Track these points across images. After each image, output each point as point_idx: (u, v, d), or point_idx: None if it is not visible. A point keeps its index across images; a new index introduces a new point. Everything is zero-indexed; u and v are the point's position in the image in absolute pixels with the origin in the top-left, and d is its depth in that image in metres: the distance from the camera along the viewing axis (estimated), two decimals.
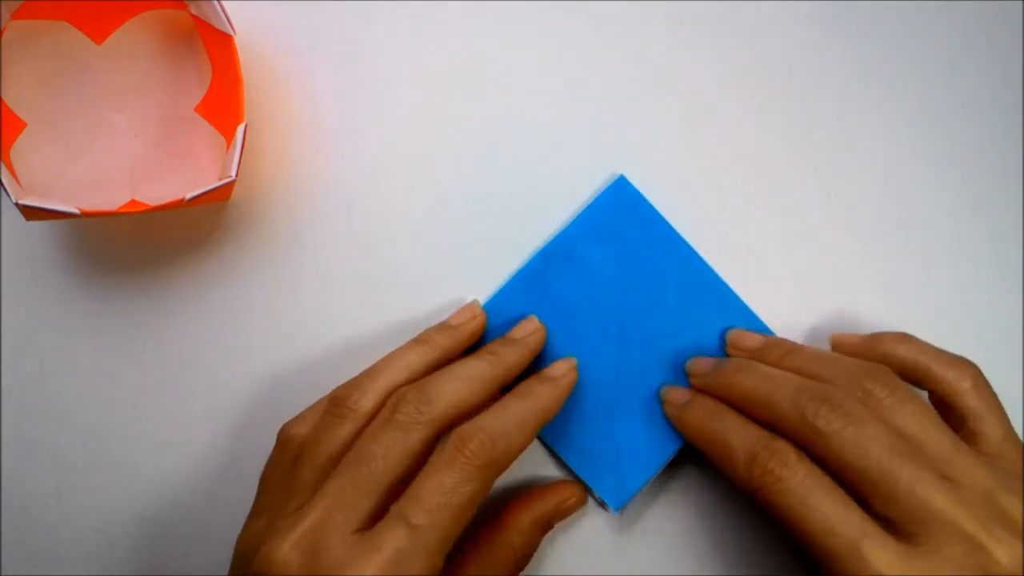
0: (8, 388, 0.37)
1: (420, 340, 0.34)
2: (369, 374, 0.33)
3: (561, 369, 0.34)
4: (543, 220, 0.37)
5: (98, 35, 0.36)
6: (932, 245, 0.37)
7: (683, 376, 0.36)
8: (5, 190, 0.32)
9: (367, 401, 0.32)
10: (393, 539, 0.28)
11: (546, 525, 0.35)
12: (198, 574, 0.37)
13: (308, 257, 0.37)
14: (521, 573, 0.34)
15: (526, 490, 0.36)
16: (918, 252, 0.37)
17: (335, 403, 0.32)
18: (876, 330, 0.35)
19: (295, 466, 0.31)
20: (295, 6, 0.37)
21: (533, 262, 0.36)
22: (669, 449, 0.36)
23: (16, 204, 0.31)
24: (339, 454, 0.31)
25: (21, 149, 0.36)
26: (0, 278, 0.37)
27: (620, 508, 0.36)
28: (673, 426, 0.35)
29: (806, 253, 0.37)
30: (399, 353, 0.33)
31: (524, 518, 0.34)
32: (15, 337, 0.37)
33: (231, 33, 0.34)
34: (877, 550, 0.28)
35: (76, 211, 0.32)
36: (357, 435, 0.31)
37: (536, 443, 0.37)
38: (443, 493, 0.29)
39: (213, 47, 0.36)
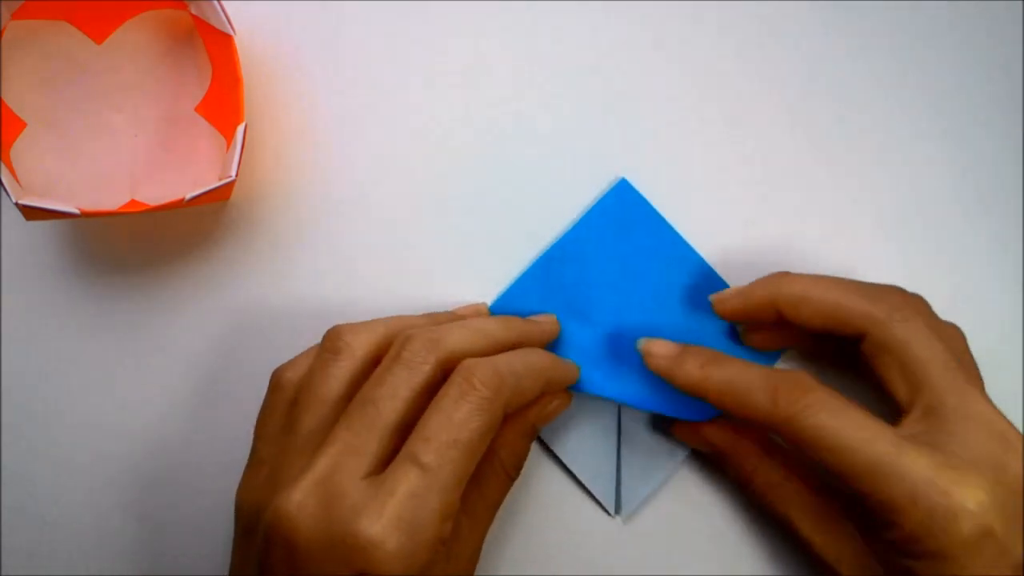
0: (8, 388, 0.37)
1: (425, 315, 0.34)
2: (367, 320, 0.32)
3: (571, 363, 0.35)
4: (544, 222, 0.37)
5: (98, 35, 0.36)
6: (932, 245, 0.37)
7: None
8: (5, 190, 0.32)
9: (363, 339, 0.31)
10: (405, 481, 0.27)
11: (530, 431, 0.33)
12: (198, 574, 0.37)
13: (308, 257, 0.37)
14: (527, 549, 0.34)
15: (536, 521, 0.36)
16: (918, 253, 0.37)
17: (329, 339, 0.31)
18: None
19: (293, 411, 0.31)
20: (295, 6, 0.37)
21: (536, 265, 0.36)
22: (671, 464, 0.36)
23: (16, 204, 0.31)
24: (338, 396, 0.30)
25: (21, 149, 0.36)
26: (0, 278, 0.37)
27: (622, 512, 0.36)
28: (665, 379, 0.33)
29: (808, 255, 0.37)
30: (400, 316, 0.33)
31: (507, 431, 0.32)
32: (15, 337, 0.37)
33: (231, 33, 0.34)
34: (918, 455, 0.28)
35: (76, 211, 0.32)
36: (355, 376, 0.30)
37: (536, 447, 0.37)
38: (452, 429, 0.28)
39: (213, 47, 0.36)
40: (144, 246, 0.37)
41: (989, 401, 0.30)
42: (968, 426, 0.29)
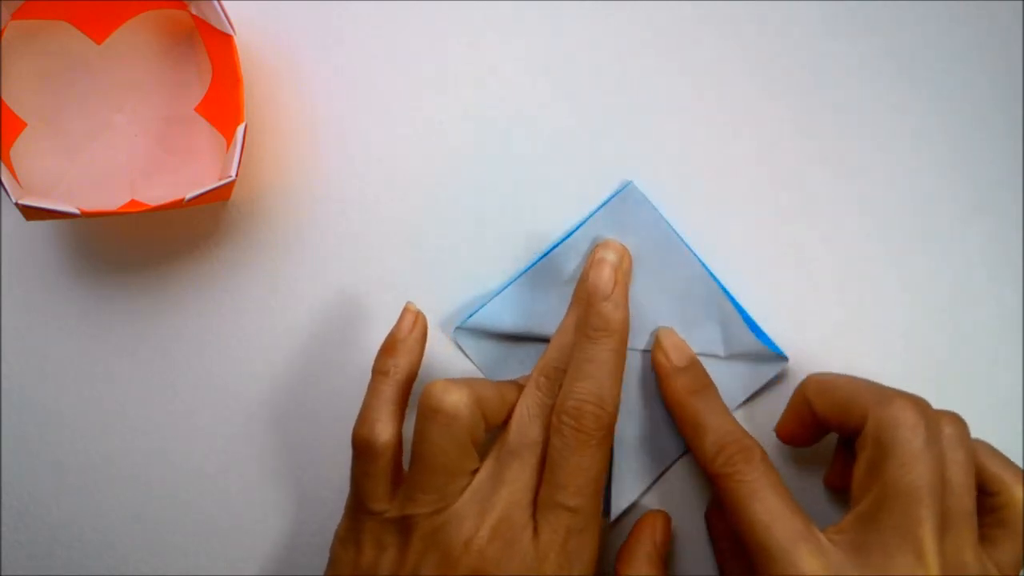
0: (8, 388, 0.37)
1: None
2: (452, 381, 0.33)
3: (609, 275, 0.34)
4: (549, 223, 0.37)
5: (98, 35, 0.36)
6: (933, 245, 0.37)
7: None
8: (5, 190, 0.32)
9: (466, 400, 0.32)
10: (561, 523, 0.31)
11: (659, 560, 0.35)
12: (198, 574, 0.37)
13: (308, 257, 0.37)
14: None
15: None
16: (919, 252, 0.37)
17: (431, 402, 0.32)
18: (878, 333, 0.35)
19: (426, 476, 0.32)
20: (295, 6, 0.37)
21: (539, 263, 0.36)
22: (665, 461, 0.36)
23: (16, 204, 0.31)
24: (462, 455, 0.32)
25: (21, 149, 0.36)
26: (0, 278, 0.37)
27: (611, 516, 0.36)
28: (657, 381, 0.35)
29: (810, 256, 0.37)
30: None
31: (637, 564, 0.34)
32: (15, 337, 0.37)
33: (231, 33, 0.34)
34: (811, 556, 0.29)
35: (76, 211, 0.32)
36: (474, 438, 0.32)
37: None
38: (585, 470, 0.31)
39: (213, 47, 0.36)
40: (144, 246, 0.37)
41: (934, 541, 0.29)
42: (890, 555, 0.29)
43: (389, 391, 0.33)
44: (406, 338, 0.34)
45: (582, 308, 0.33)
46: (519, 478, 0.32)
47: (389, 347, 0.34)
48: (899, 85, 0.37)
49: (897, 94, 0.37)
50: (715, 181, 0.37)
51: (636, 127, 0.37)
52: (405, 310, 0.34)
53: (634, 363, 0.36)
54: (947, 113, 0.37)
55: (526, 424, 0.32)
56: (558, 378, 0.33)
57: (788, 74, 0.37)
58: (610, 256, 0.34)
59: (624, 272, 0.34)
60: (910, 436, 0.29)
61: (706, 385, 0.34)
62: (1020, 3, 0.37)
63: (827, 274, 0.37)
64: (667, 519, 0.35)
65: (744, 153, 0.37)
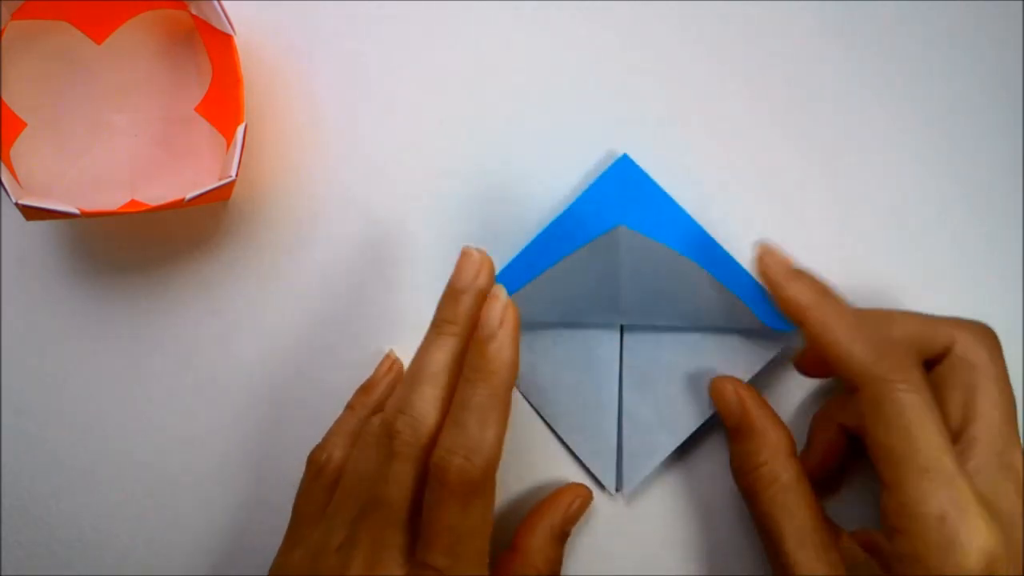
0: (8, 388, 0.37)
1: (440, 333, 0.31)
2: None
3: (496, 314, 0.29)
4: (548, 218, 0.37)
5: (98, 35, 0.36)
6: (933, 245, 0.37)
7: (688, 356, 0.36)
8: (5, 190, 0.32)
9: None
10: None
11: (561, 536, 0.35)
12: (198, 574, 0.37)
13: (308, 257, 0.37)
14: None
15: (534, 498, 0.36)
16: (918, 251, 0.37)
17: (390, 433, 0.30)
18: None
19: (340, 498, 0.32)
20: (295, 6, 0.37)
21: (537, 241, 0.36)
22: (673, 441, 0.36)
23: (16, 204, 0.31)
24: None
25: (21, 149, 0.36)
26: (0, 278, 0.37)
27: (625, 490, 0.36)
28: (767, 287, 0.33)
29: (808, 239, 0.37)
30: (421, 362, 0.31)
31: (538, 538, 0.34)
32: (15, 337, 0.37)
33: (231, 33, 0.34)
34: (960, 478, 0.28)
35: (76, 211, 0.32)
36: (419, 478, 0.30)
37: (536, 423, 0.37)
38: (453, 528, 0.28)
39: (213, 47, 0.36)
40: (144, 246, 0.37)
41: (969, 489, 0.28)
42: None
43: (354, 425, 0.35)
44: (380, 380, 0.36)
45: (448, 340, 0.30)
46: (372, 539, 0.29)
47: (365, 387, 0.36)
48: (901, 83, 0.37)
49: (899, 89, 0.37)
50: (707, 155, 0.37)
51: (626, 100, 0.37)
52: (385, 356, 0.37)
53: (648, 339, 0.36)
54: (949, 111, 0.37)
55: (355, 484, 0.31)
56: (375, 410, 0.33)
57: (786, 65, 0.37)
58: (502, 294, 0.30)
59: (514, 313, 0.30)
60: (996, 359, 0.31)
61: (823, 289, 0.32)
62: (1020, 3, 0.37)
63: (824, 271, 0.37)
64: (587, 496, 0.36)
65: (739, 138, 0.37)
